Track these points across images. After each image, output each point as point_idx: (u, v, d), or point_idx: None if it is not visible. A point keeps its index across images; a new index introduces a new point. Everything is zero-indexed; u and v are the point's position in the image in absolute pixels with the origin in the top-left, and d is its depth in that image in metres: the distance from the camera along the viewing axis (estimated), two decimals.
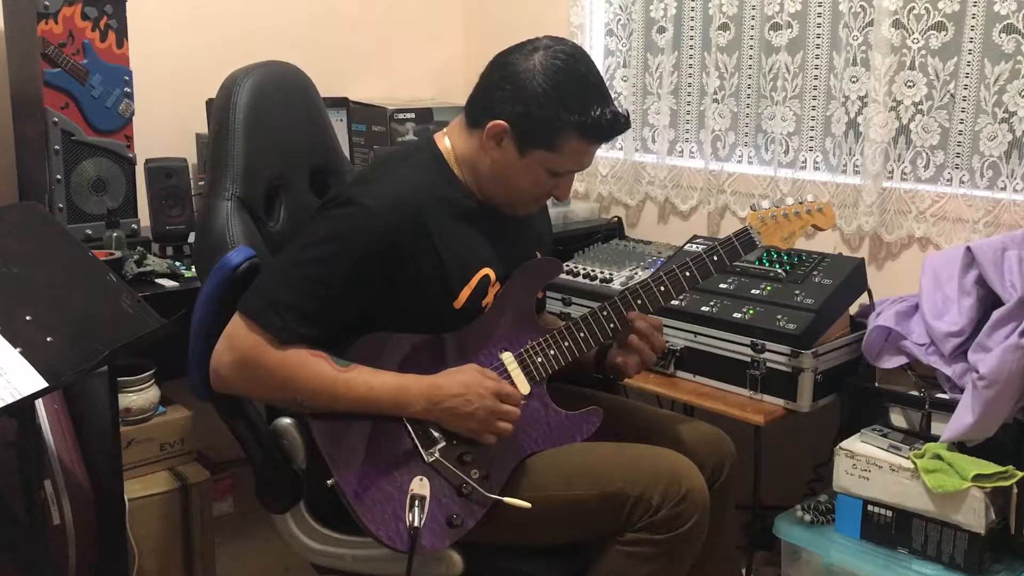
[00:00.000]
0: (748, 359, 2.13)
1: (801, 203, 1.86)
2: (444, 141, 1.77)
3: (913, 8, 2.32)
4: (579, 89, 1.67)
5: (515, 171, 1.71)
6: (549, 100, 1.64)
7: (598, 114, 1.66)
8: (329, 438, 1.63)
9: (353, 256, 1.62)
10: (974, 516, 1.84)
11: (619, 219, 2.99)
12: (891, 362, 2.08)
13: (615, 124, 1.69)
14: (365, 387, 1.63)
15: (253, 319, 1.61)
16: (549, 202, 1.95)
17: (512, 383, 1.72)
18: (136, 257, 2.19)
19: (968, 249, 2.03)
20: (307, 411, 1.66)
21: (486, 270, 1.75)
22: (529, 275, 1.82)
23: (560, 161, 1.70)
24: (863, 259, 2.28)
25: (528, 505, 1.63)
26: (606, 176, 3.02)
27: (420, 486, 1.60)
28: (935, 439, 1.97)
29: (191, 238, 2.32)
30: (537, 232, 1.94)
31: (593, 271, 2.51)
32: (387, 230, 1.63)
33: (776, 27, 2.58)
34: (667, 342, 2.22)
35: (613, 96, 1.93)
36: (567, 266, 2.52)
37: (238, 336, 1.61)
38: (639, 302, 1.78)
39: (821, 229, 1.89)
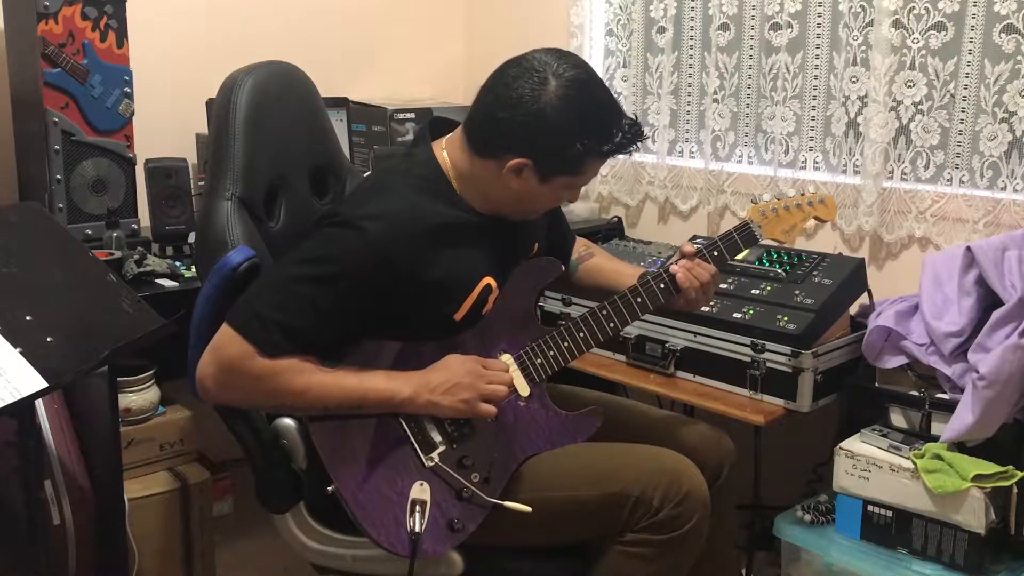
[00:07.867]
0: (748, 359, 2.13)
1: (803, 195, 1.86)
2: (443, 155, 1.74)
3: (913, 8, 2.32)
4: (599, 116, 1.65)
5: (536, 196, 1.72)
6: (574, 135, 1.63)
7: (619, 135, 1.66)
8: (329, 444, 1.63)
9: (347, 280, 1.60)
10: (974, 516, 1.84)
11: (619, 219, 2.99)
12: (891, 362, 2.08)
13: (634, 136, 1.69)
14: (355, 380, 1.62)
15: (239, 331, 1.59)
16: None
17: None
18: (136, 257, 2.19)
19: (968, 249, 2.03)
20: (299, 415, 1.66)
21: (487, 280, 1.73)
22: (529, 275, 1.81)
23: (582, 180, 1.74)
24: (863, 259, 2.28)
25: (529, 509, 1.62)
26: (606, 176, 3.02)
27: (420, 491, 1.59)
28: (935, 439, 1.96)
29: (191, 238, 2.32)
30: (536, 228, 1.92)
31: None
32: (383, 255, 1.60)
33: (776, 27, 2.58)
34: (667, 342, 2.23)
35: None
36: None
37: (223, 347, 1.60)
38: (639, 300, 1.78)
39: (823, 221, 1.89)
